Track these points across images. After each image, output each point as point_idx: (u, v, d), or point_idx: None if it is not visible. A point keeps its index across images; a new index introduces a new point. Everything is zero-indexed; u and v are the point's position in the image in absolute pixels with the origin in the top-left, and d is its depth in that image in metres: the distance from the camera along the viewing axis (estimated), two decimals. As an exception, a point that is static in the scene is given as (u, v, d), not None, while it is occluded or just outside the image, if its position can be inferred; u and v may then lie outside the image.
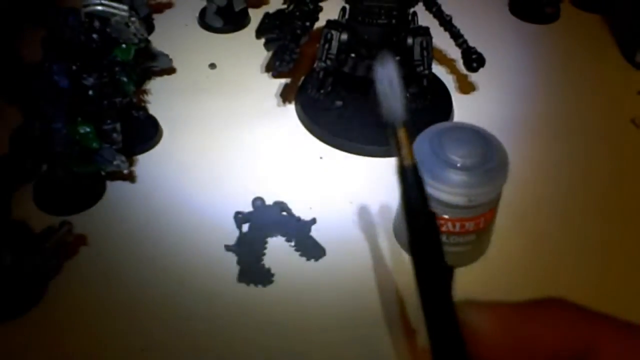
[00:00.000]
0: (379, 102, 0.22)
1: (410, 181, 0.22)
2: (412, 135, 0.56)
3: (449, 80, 0.75)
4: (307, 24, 0.62)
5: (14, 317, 0.51)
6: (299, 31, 0.61)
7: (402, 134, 0.21)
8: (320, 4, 0.64)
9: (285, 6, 0.64)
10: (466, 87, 0.74)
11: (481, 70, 0.67)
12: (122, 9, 0.61)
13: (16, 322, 0.50)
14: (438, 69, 0.75)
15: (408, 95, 0.68)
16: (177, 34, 0.80)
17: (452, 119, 0.70)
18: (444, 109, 0.70)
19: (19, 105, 0.61)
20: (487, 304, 0.22)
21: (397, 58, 0.65)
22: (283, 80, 0.74)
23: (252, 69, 0.76)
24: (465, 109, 0.71)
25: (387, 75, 0.22)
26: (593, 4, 0.88)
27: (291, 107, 0.71)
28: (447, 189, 0.50)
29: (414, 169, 0.22)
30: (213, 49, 0.79)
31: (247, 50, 0.77)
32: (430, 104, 0.68)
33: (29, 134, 0.58)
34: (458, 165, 0.50)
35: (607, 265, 0.57)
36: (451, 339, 0.21)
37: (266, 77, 0.75)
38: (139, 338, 0.50)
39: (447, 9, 0.67)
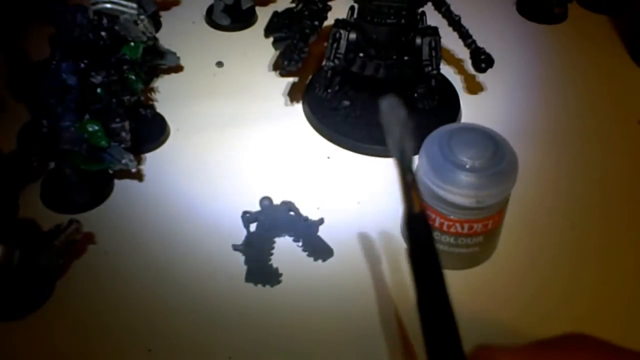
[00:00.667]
0: (389, 150, 0.22)
1: (419, 229, 0.22)
2: (421, 136, 0.55)
3: (457, 80, 0.74)
4: (316, 23, 0.62)
5: (22, 315, 0.51)
6: (307, 30, 0.61)
7: (410, 180, 0.22)
8: (329, 3, 0.64)
9: (293, 5, 0.64)
10: (474, 88, 0.74)
11: (489, 70, 0.67)
12: (130, 7, 0.61)
13: (24, 320, 0.51)
14: (446, 69, 0.75)
15: (416, 95, 0.68)
16: (184, 32, 0.80)
17: (460, 119, 0.70)
18: (452, 110, 0.70)
19: (27, 103, 0.61)
20: (506, 349, 0.21)
21: (406, 58, 0.65)
22: (291, 79, 0.74)
23: (260, 67, 0.76)
24: (473, 110, 0.71)
25: (392, 119, 0.22)
26: (601, 5, 0.88)
27: (299, 107, 0.71)
28: (455, 191, 0.50)
29: (423, 216, 0.21)
30: (220, 47, 0.79)
31: (255, 48, 0.77)
32: (438, 104, 0.68)
33: (37, 132, 0.58)
34: (467, 166, 0.50)
35: (616, 267, 0.56)
36: None
37: (274, 76, 0.75)
38: (146, 337, 0.50)
39: (455, 9, 0.67)
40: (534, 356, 0.21)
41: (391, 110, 0.22)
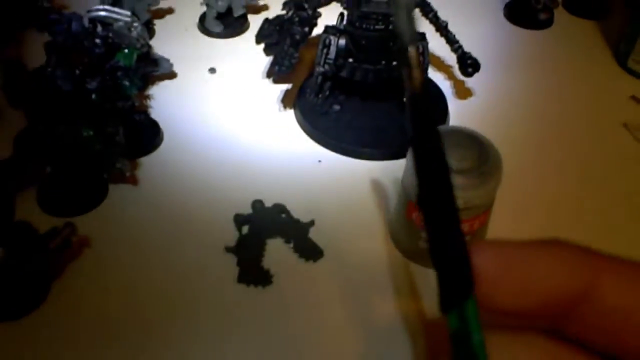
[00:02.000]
0: (394, 26, 0.21)
1: (419, 110, 0.20)
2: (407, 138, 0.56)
3: (446, 85, 0.76)
4: (306, 29, 0.63)
5: (17, 317, 0.52)
6: (297, 36, 0.63)
7: (413, 53, 0.20)
8: (319, 9, 0.65)
9: (284, 12, 0.65)
10: (462, 92, 0.75)
11: (477, 75, 0.68)
12: (124, 15, 0.62)
13: (20, 322, 0.52)
14: (435, 75, 0.77)
15: (405, 99, 0.69)
16: (177, 39, 0.82)
17: (448, 123, 0.71)
18: (440, 114, 0.71)
19: (24, 109, 0.62)
20: (489, 242, 0.21)
21: (395, 63, 0.66)
22: (282, 85, 0.75)
23: (252, 73, 0.77)
24: (461, 114, 0.72)
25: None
26: (587, 10, 0.90)
27: (290, 112, 0.72)
28: (442, 192, 0.51)
29: (424, 95, 0.20)
30: (213, 53, 0.80)
31: (247, 55, 0.78)
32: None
33: (33, 138, 0.59)
34: (453, 168, 0.52)
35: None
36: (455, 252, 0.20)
37: (266, 82, 0.76)
38: (141, 338, 0.51)
39: (443, 15, 0.68)
40: (520, 252, 0.21)
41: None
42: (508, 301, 0.21)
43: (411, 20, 0.20)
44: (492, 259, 0.21)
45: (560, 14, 0.90)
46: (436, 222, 0.20)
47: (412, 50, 0.20)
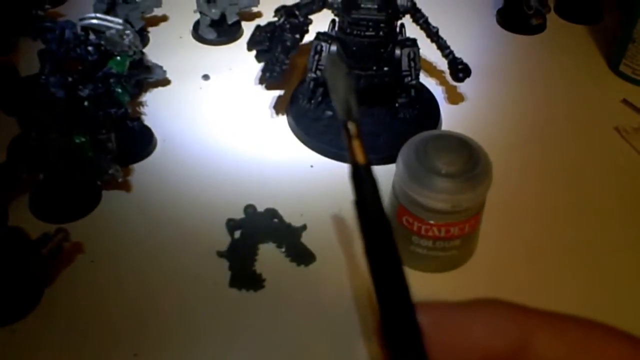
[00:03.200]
0: (334, 102, 0.22)
1: (363, 180, 0.21)
2: (399, 143, 0.57)
3: (438, 91, 0.76)
4: (297, 36, 0.64)
5: (10, 322, 0.52)
6: (288, 43, 0.63)
7: (352, 130, 0.21)
8: (310, 16, 0.65)
9: (276, 19, 0.66)
10: (454, 98, 0.76)
11: (468, 80, 0.69)
12: (116, 22, 0.63)
13: (12, 327, 0.52)
14: (428, 81, 0.77)
15: (397, 105, 0.70)
16: (171, 46, 0.82)
17: (440, 128, 0.71)
18: (432, 119, 0.71)
19: (17, 116, 0.62)
20: (425, 303, 0.22)
21: (386, 69, 0.67)
22: (275, 92, 0.75)
23: (245, 80, 0.77)
24: (453, 119, 0.73)
25: (335, 74, 0.22)
26: (578, 15, 0.90)
27: (283, 118, 0.73)
28: (432, 195, 0.52)
29: (367, 167, 0.21)
30: (206, 60, 0.80)
31: (240, 62, 0.79)
32: (419, 113, 0.70)
33: (26, 144, 0.60)
34: (442, 172, 0.52)
35: (592, 268, 0.58)
36: (410, 345, 0.22)
37: (259, 88, 0.76)
38: (132, 343, 0.51)
39: (435, 21, 0.68)
40: (454, 315, 0.22)
41: (334, 66, 0.22)
42: None
43: (349, 97, 0.21)
44: (431, 321, 0.22)
45: (552, 19, 0.90)
46: (380, 279, 0.22)
47: (351, 127, 0.21)
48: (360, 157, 0.21)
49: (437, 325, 0.22)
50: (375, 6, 0.63)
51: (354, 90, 0.21)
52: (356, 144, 0.21)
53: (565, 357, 0.21)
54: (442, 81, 0.77)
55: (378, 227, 0.21)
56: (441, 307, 0.22)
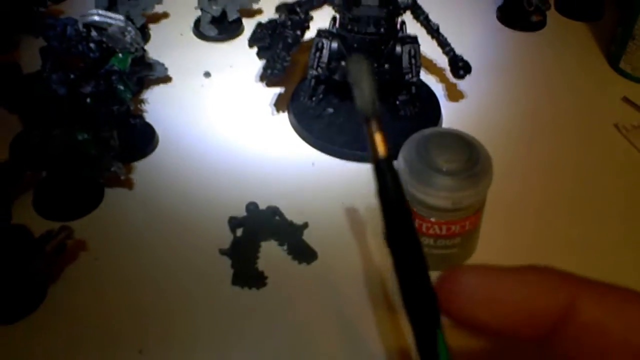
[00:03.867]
0: (354, 98, 0.23)
1: (386, 173, 0.22)
2: (399, 140, 0.57)
3: (438, 88, 0.77)
4: (298, 32, 0.64)
5: (14, 320, 0.52)
6: (290, 40, 0.63)
7: (374, 125, 0.22)
8: (311, 13, 0.66)
9: (277, 16, 0.66)
10: (455, 95, 0.76)
11: (469, 77, 0.69)
12: (118, 19, 0.63)
13: (16, 326, 0.52)
14: (428, 78, 0.77)
15: (398, 102, 0.70)
16: (172, 44, 0.82)
17: (441, 125, 0.72)
18: (433, 116, 0.72)
19: (20, 114, 0.62)
20: (474, 267, 0.23)
21: (387, 66, 0.67)
22: (276, 89, 0.76)
23: (247, 77, 0.77)
24: (453, 116, 0.73)
25: (359, 71, 0.23)
26: (579, 12, 0.90)
27: (284, 115, 0.73)
28: (432, 193, 0.52)
29: (389, 160, 0.22)
30: (208, 57, 0.81)
31: (241, 59, 0.79)
32: (419, 111, 0.70)
33: (29, 142, 0.60)
34: (443, 169, 0.52)
35: (592, 265, 0.58)
36: (429, 323, 0.22)
37: (260, 86, 0.77)
38: (136, 340, 0.52)
39: (436, 18, 0.69)
40: (502, 276, 0.23)
41: (358, 62, 0.23)
42: (494, 322, 0.22)
43: (373, 93, 0.22)
44: (478, 281, 0.22)
45: (553, 16, 0.90)
46: (402, 263, 0.23)
47: (374, 124, 0.22)
48: (382, 150, 0.22)
49: (483, 286, 0.22)
50: (376, 3, 0.63)
51: (377, 86, 0.22)
52: (378, 138, 0.22)
53: (612, 325, 0.22)
54: (443, 78, 0.77)
55: (400, 216, 0.23)
56: (488, 269, 0.23)
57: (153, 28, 0.84)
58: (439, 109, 0.73)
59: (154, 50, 0.77)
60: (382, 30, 0.64)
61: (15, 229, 0.52)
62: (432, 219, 0.54)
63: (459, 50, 0.69)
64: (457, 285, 0.23)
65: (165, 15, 0.86)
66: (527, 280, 0.22)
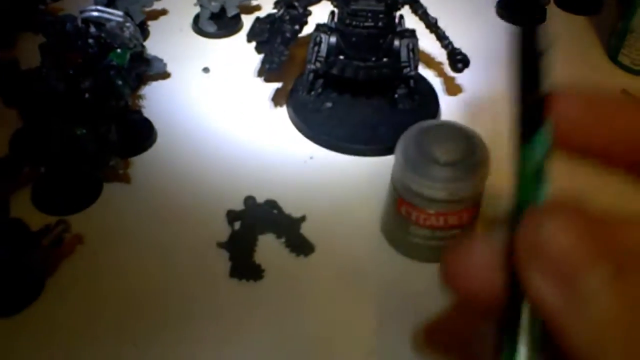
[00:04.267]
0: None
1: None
2: (398, 133, 0.56)
3: (437, 82, 0.76)
4: (296, 27, 0.64)
5: (12, 313, 0.52)
6: (288, 34, 0.63)
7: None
8: (309, 8, 0.66)
9: (275, 10, 0.66)
10: (453, 89, 0.76)
11: (467, 71, 0.69)
12: (117, 15, 0.63)
13: (15, 318, 0.52)
14: (427, 72, 0.77)
15: (397, 96, 0.70)
16: (171, 40, 0.82)
17: (439, 118, 0.72)
18: (431, 109, 0.72)
19: (19, 109, 0.63)
20: (576, 91, 0.21)
21: (385, 60, 0.67)
22: (275, 84, 0.76)
23: (245, 72, 0.77)
24: (452, 109, 0.73)
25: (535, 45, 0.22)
26: (578, 6, 0.90)
27: (283, 110, 0.73)
28: (429, 184, 0.52)
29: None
30: (207, 53, 0.81)
31: (240, 54, 0.79)
32: (418, 104, 0.70)
33: (28, 137, 0.60)
34: (440, 161, 0.52)
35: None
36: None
37: (259, 81, 0.77)
38: (134, 333, 0.52)
39: (435, 12, 0.69)
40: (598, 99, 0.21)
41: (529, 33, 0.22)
42: (597, 143, 0.21)
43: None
44: (582, 105, 0.21)
45: (552, 10, 0.90)
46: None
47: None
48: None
49: (586, 111, 0.21)
50: (374, -3, 0.63)
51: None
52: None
53: None
54: (441, 72, 0.77)
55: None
56: (593, 96, 0.21)
57: (152, 24, 0.84)
58: (438, 103, 0.73)
59: (154, 46, 0.77)
60: (380, 24, 0.64)
61: (12, 223, 0.52)
62: (430, 211, 0.54)
63: (458, 44, 0.68)
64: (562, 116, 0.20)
65: (164, 11, 0.86)
66: (630, 109, 0.20)
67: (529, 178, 0.20)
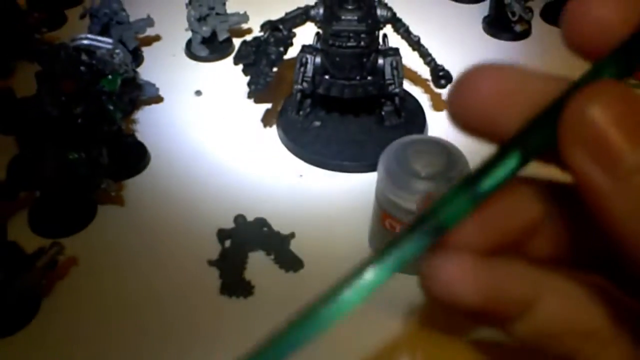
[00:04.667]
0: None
1: None
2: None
3: (424, 98, 0.78)
4: (281, 49, 0.66)
5: (7, 334, 0.54)
6: (273, 56, 0.65)
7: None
8: (294, 30, 0.68)
9: (261, 34, 0.68)
10: (440, 105, 0.77)
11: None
12: (106, 42, 0.65)
13: (10, 339, 0.53)
14: (413, 89, 0.79)
15: (383, 113, 0.71)
16: (165, 64, 0.84)
17: (426, 134, 0.73)
18: (418, 126, 0.73)
19: (15, 136, 0.65)
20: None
21: (370, 78, 0.69)
22: (265, 105, 0.77)
23: (236, 94, 0.79)
24: (439, 126, 0.74)
25: None
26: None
27: (273, 130, 0.75)
28: (412, 198, 0.53)
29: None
30: (199, 77, 0.83)
31: (231, 77, 0.80)
32: (405, 121, 0.72)
33: (24, 161, 0.62)
34: (421, 174, 0.54)
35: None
36: None
37: (249, 102, 0.78)
38: (127, 351, 0.53)
39: (422, 29, 0.70)
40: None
41: None
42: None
43: None
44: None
45: (538, 25, 0.92)
46: None
47: None
48: None
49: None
50: (355, 17, 0.65)
51: None
52: None
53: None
54: (427, 88, 0.79)
55: None
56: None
57: (146, 50, 0.86)
58: (425, 119, 0.74)
59: (147, 71, 0.79)
60: (362, 43, 0.66)
61: (8, 245, 0.53)
62: (412, 224, 0.55)
63: (445, 61, 0.70)
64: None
65: (157, 37, 0.89)
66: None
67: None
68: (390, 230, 0.56)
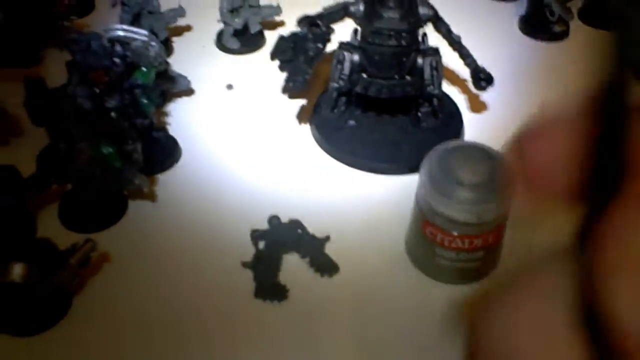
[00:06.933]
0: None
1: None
2: (421, 152, 0.56)
3: (460, 99, 0.76)
4: (320, 45, 0.64)
5: (40, 331, 0.53)
6: (311, 53, 0.63)
7: None
8: (332, 26, 0.66)
9: (299, 28, 0.66)
10: (477, 107, 0.76)
11: (492, 88, 0.68)
12: (142, 34, 0.64)
13: (42, 336, 0.53)
14: (450, 89, 0.77)
15: (420, 114, 0.70)
16: (195, 56, 0.83)
17: (463, 137, 0.71)
18: (455, 128, 0.71)
19: (46, 127, 0.63)
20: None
21: (409, 78, 0.67)
22: (299, 101, 0.76)
23: (269, 89, 0.78)
24: (475, 128, 0.73)
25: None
26: (602, 21, 0.89)
27: (306, 127, 0.73)
28: (455, 206, 0.52)
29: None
30: (230, 70, 0.81)
31: (264, 70, 0.79)
32: (442, 122, 0.70)
33: (55, 155, 0.61)
34: (465, 182, 0.52)
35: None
36: None
37: (282, 98, 0.77)
38: (160, 352, 0.52)
39: (457, 30, 0.68)
40: None
41: None
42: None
43: None
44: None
45: (576, 26, 0.90)
46: None
47: None
48: None
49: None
50: (397, 16, 0.63)
51: None
52: None
53: None
54: (465, 90, 0.77)
55: None
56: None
57: (176, 41, 0.84)
58: (462, 121, 0.73)
59: (177, 63, 0.77)
60: (403, 42, 0.64)
61: (41, 243, 0.52)
62: (455, 233, 0.53)
63: (481, 62, 0.68)
64: None
65: (188, 28, 0.87)
66: None
67: None
68: (429, 238, 0.55)
